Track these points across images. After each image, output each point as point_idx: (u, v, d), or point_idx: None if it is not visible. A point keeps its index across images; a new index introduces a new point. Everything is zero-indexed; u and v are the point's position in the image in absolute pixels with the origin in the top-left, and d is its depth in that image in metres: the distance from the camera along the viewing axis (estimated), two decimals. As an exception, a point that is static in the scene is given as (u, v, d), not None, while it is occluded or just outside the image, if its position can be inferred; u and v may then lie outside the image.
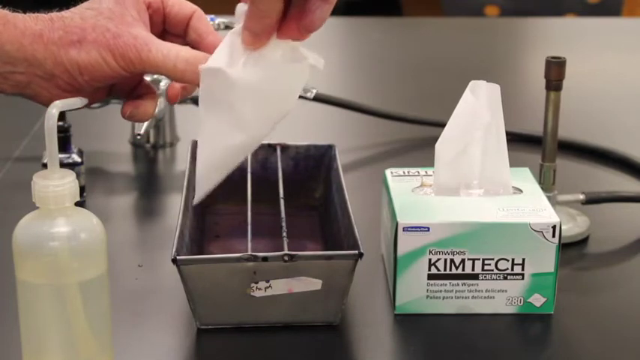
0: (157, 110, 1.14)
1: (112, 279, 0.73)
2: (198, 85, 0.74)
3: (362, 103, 1.29)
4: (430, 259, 0.85)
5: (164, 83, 1.15)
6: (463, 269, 0.85)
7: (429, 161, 0.91)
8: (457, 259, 0.85)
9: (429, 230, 0.84)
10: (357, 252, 0.80)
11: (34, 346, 0.71)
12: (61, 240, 0.69)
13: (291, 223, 0.87)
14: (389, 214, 0.89)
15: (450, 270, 0.85)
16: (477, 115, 0.88)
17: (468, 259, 0.85)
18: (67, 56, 0.74)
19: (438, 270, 0.85)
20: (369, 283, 0.91)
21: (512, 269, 0.85)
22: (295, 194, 0.99)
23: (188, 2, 0.80)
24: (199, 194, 0.74)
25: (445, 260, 0.85)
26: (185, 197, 0.89)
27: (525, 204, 0.87)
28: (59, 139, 0.74)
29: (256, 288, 0.81)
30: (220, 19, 1.18)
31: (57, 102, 0.70)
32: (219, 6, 1.36)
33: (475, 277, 0.85)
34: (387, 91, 1.51)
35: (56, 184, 0.68)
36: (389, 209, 0.89)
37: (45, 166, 0.86)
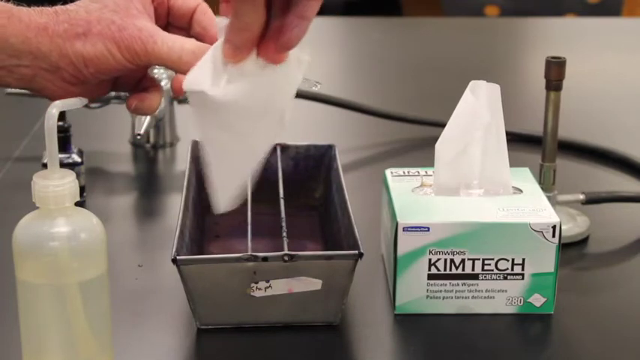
0: (157, 110, 1.15)
1: (112, 279, 0.73)
2: None
3: (362, 103, 1.29)
4: (430, 259, 0.85)
5: (164, 83, 1.15)
6: (463, 269, 0.85)
7: (429, 161, 0.91)
8: (457, 259, 0.85)
9: (429, 230, 0.84)
10: (357, 252, 0.80)
11: (34, 346, 0.71)
12: (61, 240, 0.69)
13: (291, 223, 0.87)
14: (389, 214, 0.89)
15: (450, 270, 0.85)
16: (477, 115, 0.88)
17: (468, 259, 0.85)
18: (73, 49, 0.74)
19: (438, 270, 0.85)
20: (369, 283, 0.91)
21: (512, 269, 0.85)
22: (295, 194, 0.99)
23: None
24: (221, 204, 0.74)
25: (445, 260, 0.85)
26: (185, 197, 0.89)
27: (525, 204, 0.87)
28: (59, 139, 0.74)
29: (256, 288, 0.81)
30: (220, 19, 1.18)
31: (57, 102, 0.70)
32: (219, 6, 1.36)
33: (475, 277, 0.85)
34: (387, 91, 1.51)
35: (56, 184, 0.68)
36: (389, 209, 0.89)
37: (45, 166, 0.86)
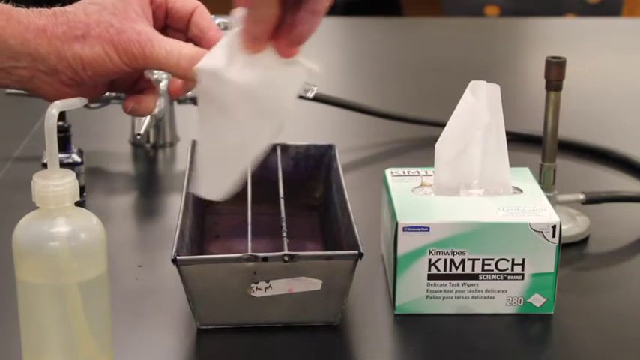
0: (157, 109, 1.15)
1: (112, 279, 0.73)
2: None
3: (362, 103, 1.29)
4: (430, 259, 0.85)
5: (164, 84, 1.15)
6: (463, 269, 0.85)
7: (429, 161, 0.91)
8: (457, 259, 0.85)
9: (429, 230, 0.84)
10: (357, 252, 0.80)
11: (34, 346, 0.71)
12: (61, 240, 0.69)
13: (291, 223, 0.87)
14: (389, 214, 0.89)
15: (450, 270, 0.85)
16: (477, 115, 0.88)
17: (468, 259, 0.85)
18: (71, 51, 0.74)
19: (438, 270, 0.85)
20: (369, 283, 0.91)
21: (512, 269, 0.85)
22: (295, 194, 0.99)
23: None
24: (203, 188, 0.75)
25: (445, 260, 0.85)
26: (185, 197, 0.89)
27: (525, 204, 0.87)
28: (59, 139, 0.74)
29: (256, 288, 0.81)
30: (220, 19, 1.18)
31: (57, 102, 0.70)
32: (219, 6, 1.36)
33: (475, 277, 0.85)
34: (387, 91, 1.51)
35: (56, 184, 0.68)
36: (389, 209, 0.89)
37: (45, 166, 0.86)
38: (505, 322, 0.86)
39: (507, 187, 0.90)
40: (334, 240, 0.91)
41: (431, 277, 0.85)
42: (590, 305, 0.90)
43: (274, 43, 0.71)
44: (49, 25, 0.74)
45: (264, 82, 0.71)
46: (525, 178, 0.93)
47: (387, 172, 0.94)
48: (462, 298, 0.86)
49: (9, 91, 1.10)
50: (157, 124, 1.22)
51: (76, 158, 1.06)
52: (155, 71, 1.11)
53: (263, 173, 0.99)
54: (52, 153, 0.68)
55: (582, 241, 1.00)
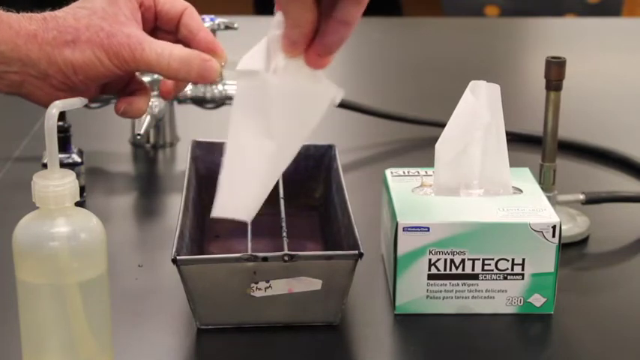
0: (156, 110, 1.15)
1: (112, 279, 0.73)
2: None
3: (362, 103, 1.29)
4: (430, 259, 0.85)
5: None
6: (463, 269, 0.85)
7: (429, 161, 0.91)
8: (457, 259, 0.85)
9: (429, 230, 0.84)
10: (357, 252, 0.80)
11: (34, 346, 0.71)
12: (61, 240, 0.69)
13: (291, 223, 0.87)
14: (389, 214, 0.89)
15: (450, 270, 0.85)
16: (477, 115, 0.88)
17: (468, 259, 0.85)
18: (62, 56, 0.74)
19: (438, 270, 0.85)
20: (369, 283, 0.91)
21: (512, 269, 0.85)
22: (295, 194, 0.99)
23: None
24: (223, 202, 0.72)
25: (445, 260, 0.85)
26: (185, 197, 0.89)
27: (525, 204, 0.87)
28: (59, 139, 0.74)
29: (256, 288, 0.81)
30: (220, 19, 1.18)
31: (57, 102, 0.70)
32: (219, 6, 1.36)
33: (475, 277, 0.85)
34: (387, 91, 1.51)
35: (56, 184, 0.68)
36: (389, 209, 0.89)
37: (45, 166, 0.86)
38: (505, 322, 0.86)
39: (507, 187, 0.90)
40: (334, 240, 0.91)
41: (431, 277, 0.85)
42: (590, 305, 0.90)
43: (305, 53, 0.69)
44: (39, 30, 0.74)
45: (297, 91, 0.70)
46: (525, 178, 0.93)
47: (387, 172, 0.94)
48: (462, 298, 0.86)
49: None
50: (157, 124, 1.22)
51: (76, 158, 1.06)
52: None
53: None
54: (52, 153, 0.68)
55: (582, 241, 1.00)
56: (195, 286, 0.81)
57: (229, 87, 1.20)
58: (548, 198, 0.94)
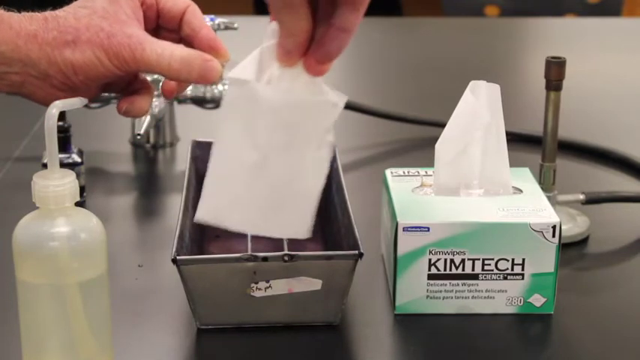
0: (157, 110, 1.15)
1: (112, 279, 0.73)
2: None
3: (362, 103, 1.29)
4: (430, 259, 0.85)
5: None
6: (463, 269, 0.85)
7: (429, 161, 0.91)
8: (457, 259, 0.85)
9: (429, 230, 0.84)
10: (357, 252, 0.80)
11: (34, 346, 0.71)
12: (61, 240, 0.69)
13: (291, 223, 0.87)
14: (389, 214, 0.89)
15: (450, 270, 0.85)
16: (477, 115, 0.88)
17: (468, 259, 0.85)
18: (62, 57, 0.74)
19: (438, 270, 0.85)
20: (369, 283, 0.91)
21: (512, 269, 0.85)
22: (295, 194, 0.99)
23: None
24: (204, 207, 0.71)
25: (445, 260, 0.85)
26: (185, 197, 0.89)
27: (525, 204, 0.87)
28: (59, 139, 0.74)
29: (256, 288, 0.81)
30: (220, 19, 1.18)
31: (57, 102, 0.70)
32: (219, 6, 1.36)
33: (475, 277, 0.85)
34: (387, 91, 1.51)
35: (56, 184, 0.68)
36: (389, 209, 0.89)
37: (45, 166, 0.86)
38: (505, 322, 0.86)
39: (507, 187, 0.90)
40: (334, 240, 0.91)
41: (431, 277, 0.85)
42: (590, 305, 0.90)
43: (304, 60, 0.68)
44: (39, 30, 0.74)
45: (287, 104, 0.69)
46: (525, 178, 0.93)
47: (387, 172, 0.94)
48: (462, 298, 0.86)
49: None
50: (157, 124, 1.22)
51: (76, 158, 1.06)
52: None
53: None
54: (52, 153, 0.68)
55: (582, 241, 1.00)
56: (195, 286, 0.81)
57: (229, 87, 1.20)
58: (548, 198, 0.94)
